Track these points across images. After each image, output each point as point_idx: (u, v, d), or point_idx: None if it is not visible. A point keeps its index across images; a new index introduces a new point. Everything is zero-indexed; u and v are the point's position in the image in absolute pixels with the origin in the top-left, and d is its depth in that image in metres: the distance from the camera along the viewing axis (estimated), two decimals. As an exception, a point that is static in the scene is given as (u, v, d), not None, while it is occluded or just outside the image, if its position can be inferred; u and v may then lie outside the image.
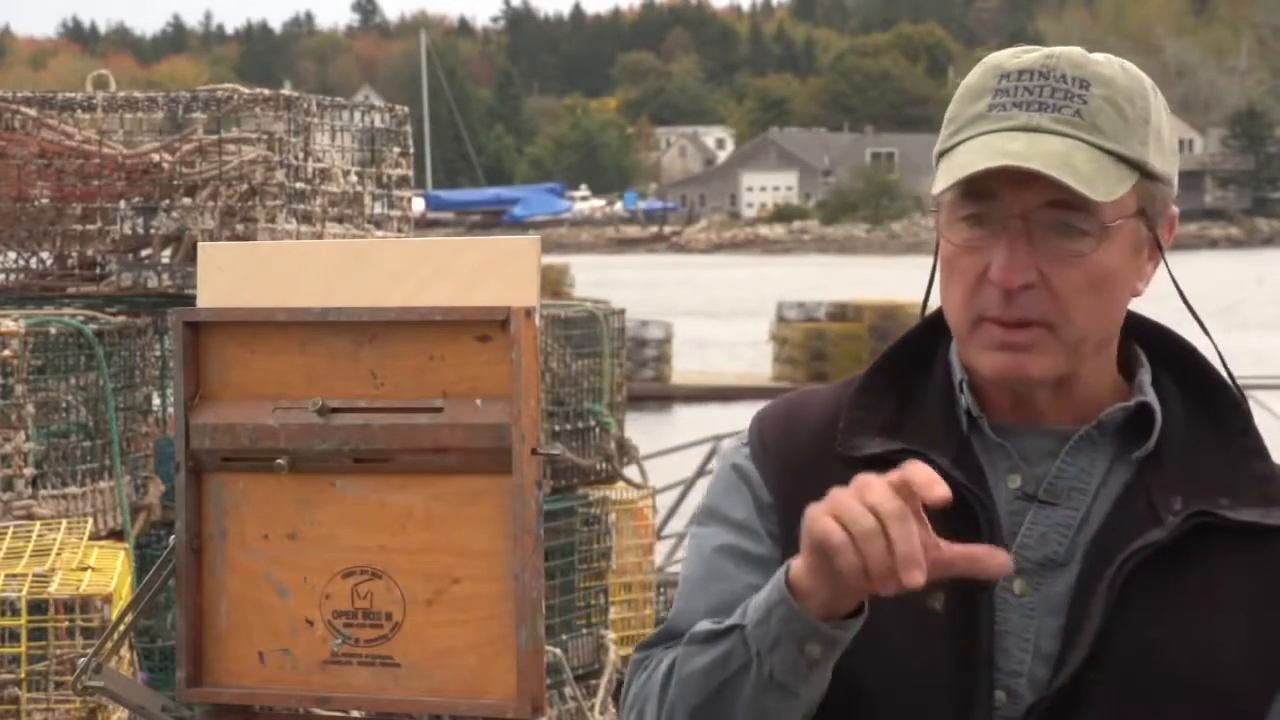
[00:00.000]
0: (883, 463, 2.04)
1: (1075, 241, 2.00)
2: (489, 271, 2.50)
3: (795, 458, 2.11)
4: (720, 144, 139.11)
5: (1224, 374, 2.15)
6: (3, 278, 5.90)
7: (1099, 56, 2.06)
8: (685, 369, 28.87)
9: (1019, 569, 2.02)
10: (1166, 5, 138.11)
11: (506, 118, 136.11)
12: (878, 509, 1.84)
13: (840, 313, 28.87)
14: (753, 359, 30.76)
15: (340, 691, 2.60)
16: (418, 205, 8.62)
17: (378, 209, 6.08)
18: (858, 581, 1.86)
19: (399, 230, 6.08)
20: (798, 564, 1.91)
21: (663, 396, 26.42)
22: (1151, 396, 2.09)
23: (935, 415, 2.09)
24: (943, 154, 2.05)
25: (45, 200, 5.75)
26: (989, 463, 2.06)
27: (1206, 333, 2.20)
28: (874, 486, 1.86)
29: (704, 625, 2.01)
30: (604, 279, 40.89)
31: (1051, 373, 2.03)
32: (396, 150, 6.13)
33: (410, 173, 6.18)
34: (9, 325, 5.08)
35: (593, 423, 6.79)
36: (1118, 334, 2.10)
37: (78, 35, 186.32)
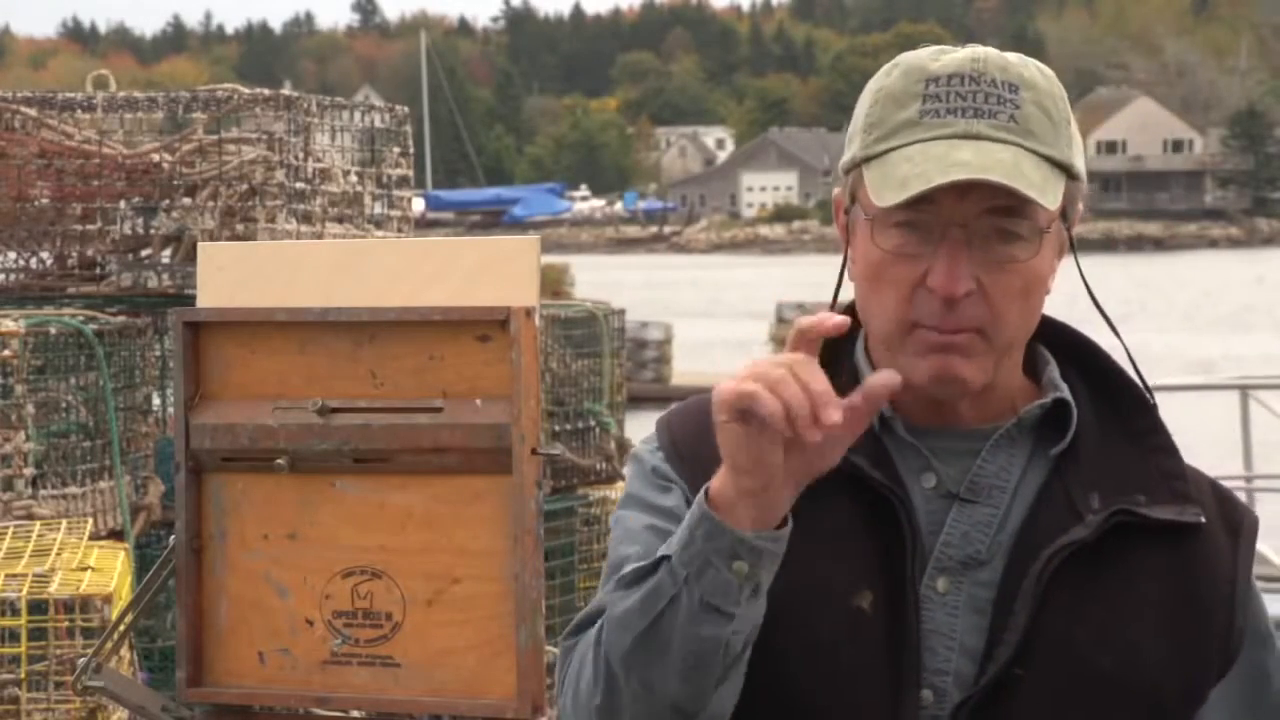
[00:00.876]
0: None
1: (1013, 248, 2.01)
2: (489, 271, 2.50)
3: (709, 461, 2.09)
4: (720, 144, 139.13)
5: (1132, 373, 2.15)
6: (3, 278, 5.91)
7: (1014, 57, 2.07)
8: (685, 370, 28.86)
9: (943, 567, 2.03)
10: (1166, 5, 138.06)
11: (506, 118, 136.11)
12: (781, 362, 1.86)
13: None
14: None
15: (340, 691, 2.60)
16: (418, 205, 8.63)
17: (378, 209, 6.08)
18: (782, 428, 1.85)
19: (399, 230, 6.08)
20: (717, 478, 1.91)
21: (663, 398, 26.41)
22: (1066, 392, 2.10)
23: None
24: (869, 159, 2.04)
25: (45, 200, 5.76)
26: (902, 463, 2.07)
27: (1116, 332, 2.22)
28: (768, 357, 1.88)
29: (630, 566, 2.00)
30: (604, 279, 40.90)
31: (982, 377, 2.04)
32: (396, 150, 6.13)
33: (410, 173, 6.18)
34: (9, 325, 5.08)
35: (593, 423, 6.79)
36: (1029, 336, 2.11)
37: (78, 35, 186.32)
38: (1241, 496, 12.08)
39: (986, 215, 2.00)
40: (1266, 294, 49.44)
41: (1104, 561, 2.04)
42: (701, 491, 1.94)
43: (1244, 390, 12.05)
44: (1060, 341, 2.16)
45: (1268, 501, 12.03)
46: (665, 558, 1.95)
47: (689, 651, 1.93)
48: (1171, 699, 2.04)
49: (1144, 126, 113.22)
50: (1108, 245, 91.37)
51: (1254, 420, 11.88)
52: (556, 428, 6.53)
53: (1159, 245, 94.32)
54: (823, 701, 2.02)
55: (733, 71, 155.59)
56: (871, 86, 2.07)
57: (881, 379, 1.89)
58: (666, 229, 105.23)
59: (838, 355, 2.14)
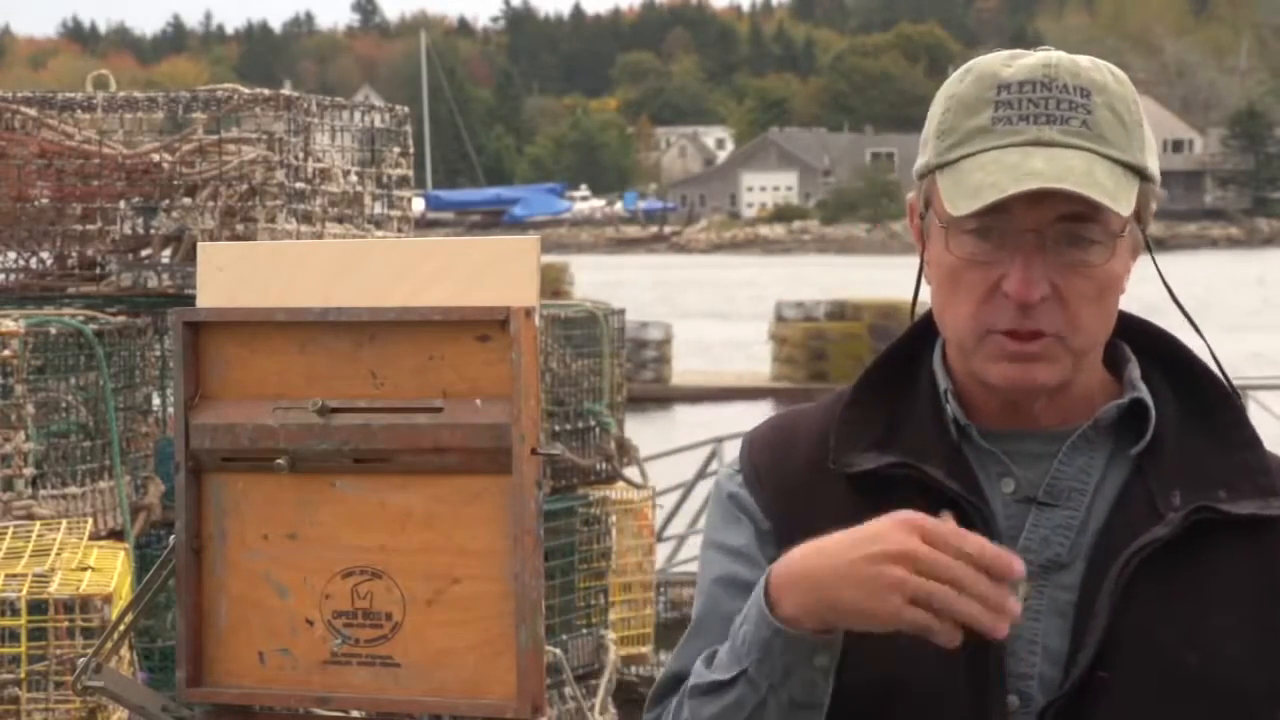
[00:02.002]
0: (877, 478, 2.05)
1: (1087, 252, 2.00)
2: (489, 271, 2.50)
3: (789, 480, 2.11)
4: (720, 144, 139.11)
5: (1214, 368, 2.15)
6: (3, 278, 5.90)
7: (1085, 61, 2.06)
8: (685, 369, 28.85)
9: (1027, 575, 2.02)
10: (1166, 5, 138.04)
11: (506, 118, 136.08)
12: (972, 589, 1.85)
13: (839, 312, 28.84)
14: (752, 359, 30.75)
15: (340, 691, 2.60)
16: (418, 205, 8.62)
17: (378, 209, 6.08)
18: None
19: (399, 230, 6.08)
20: (790, 598, 1.91)
21: (663, 398, 26.41)
22: (1145, 392, 2.09)
23: (925, 426, 2.09)
24: (942, 166, 2.04)
25: (45, 200, 5.76)
26: (981, 469, 2.07)
27: (1196, 329, 2.21)
28: (939, 562, 1.85)
29: (702, 675, 2.01)
30: (604, 279, 40.88)
31: (1058, 380, 2.04)
32: (396, 150, 6.13)
33: (410, 173, 6.18)
34: (9, 325, 5.08)
35: (593, 423, 6.79)
36: (1107, 338, 2.10)
37: (78, 35, 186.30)
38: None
39: (1060, 221, 1.99)
40: (1266, 294, 49.42)
41: (1185, 559, 2.03)
42: (761, 602, 1.92)
43: (1244, 390, 12.07)
44: (1142, 338, 2.15)
45: (1268, 501, 12.05)
46: (741, 672, 1.95)
47: None
48: (1258, 692, 2.03)
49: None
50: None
51: (1254, 420, 11.90)
52: (556, 428, 6.53)
53: (1159, 245, 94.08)
54: (908, 713, 2.01)
55: (733, 71, 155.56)
56: (944, 92, 2.07)
57: (1010, 567, 1.87)
58: (666, 229, 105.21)
59: (916, 360, 2.14)
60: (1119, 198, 1.98)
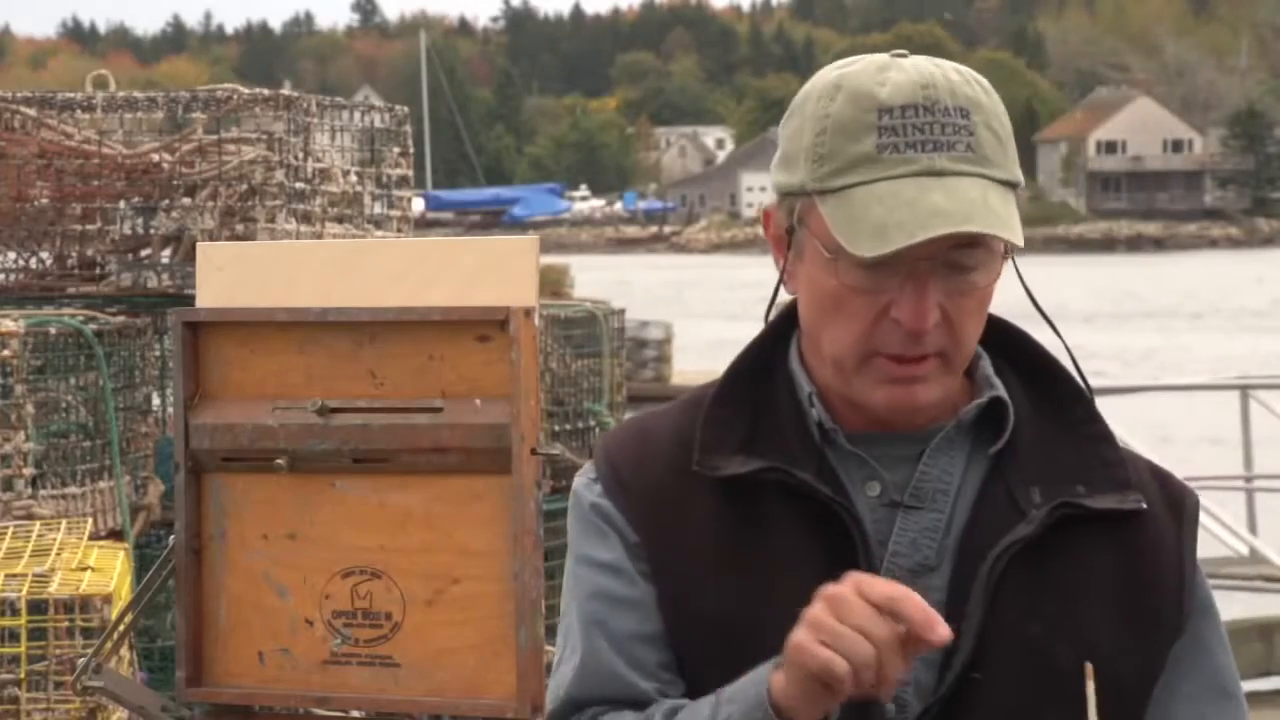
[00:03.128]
0: (745, 482, 2.05)
1: (975, 275, 2.01)
2: (488, 272, 2.50)
3: (652, 488, 2.08)
4: (720, 144, 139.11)
5: (1068, 364, 2.15)
6: (3, 278, 5.90)
7: (954, 75, 2.02)
8: (685, 369, 28.84)
9: (893, 576, 2.02)
10: (1166, 5, 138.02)
11: (506, 118, 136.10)
12: (871, 635, 1.84)
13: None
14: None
15: (340, 691, 2.60)
16: (418, 205, 8.63)
17: (378, 209, 6.08)
18: (847, 695, 1.87)
19: (399, 230, 6.08)
20: (783, 690, 1.90)
21: (663, 397, 26.38)
22: (1001, 389, 2.09)
23: (788, 429, 2.08)
24: (824, 192, 2.02)
25: (45, 200, 5.76)
26: (845, 473, 2.06)
27: (1052, 325, 2.21)
28: (854, 608, 1.85)
29: None
30: (604, 279, 40.88)
31: (939, 399, 2.04)
32: (396, 150, 6.13)
33: (410, 173, 6.18)
34: (9, 325, 5.08)
35: (593, 423, 6.79)
36: None
37: (78, 35, 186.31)
38: (1241, 496, 12.10)
39: (952, 249, 1.99)
40: (1266, 294, 49.43)
41: (1051, 555, 2.04)
42: (765, 697, 1.92)
43: (1244, 390, 12.05)
44: (993, 334, 2.14)
45: (1268, 501, 12.03)
46: None
47: None
48: (1130, 683, 2.04)
49: (1144, 126, 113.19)
50: (1107, 245, 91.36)
51: (1254, 420, 11.88)
52: (556, 428, 6.53)
53: (1159, 245, 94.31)
54: None
55: (733, 71, 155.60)
56: (813, 109, 2.03)
57: (938, 636, 1.88)
58: (666, 229, 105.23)
59: (771, 359, 2.13)
60: (1011, 223, 1.99)
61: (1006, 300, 2.26)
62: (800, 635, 1.86)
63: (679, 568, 2.03)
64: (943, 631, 1.83)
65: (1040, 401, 2.12)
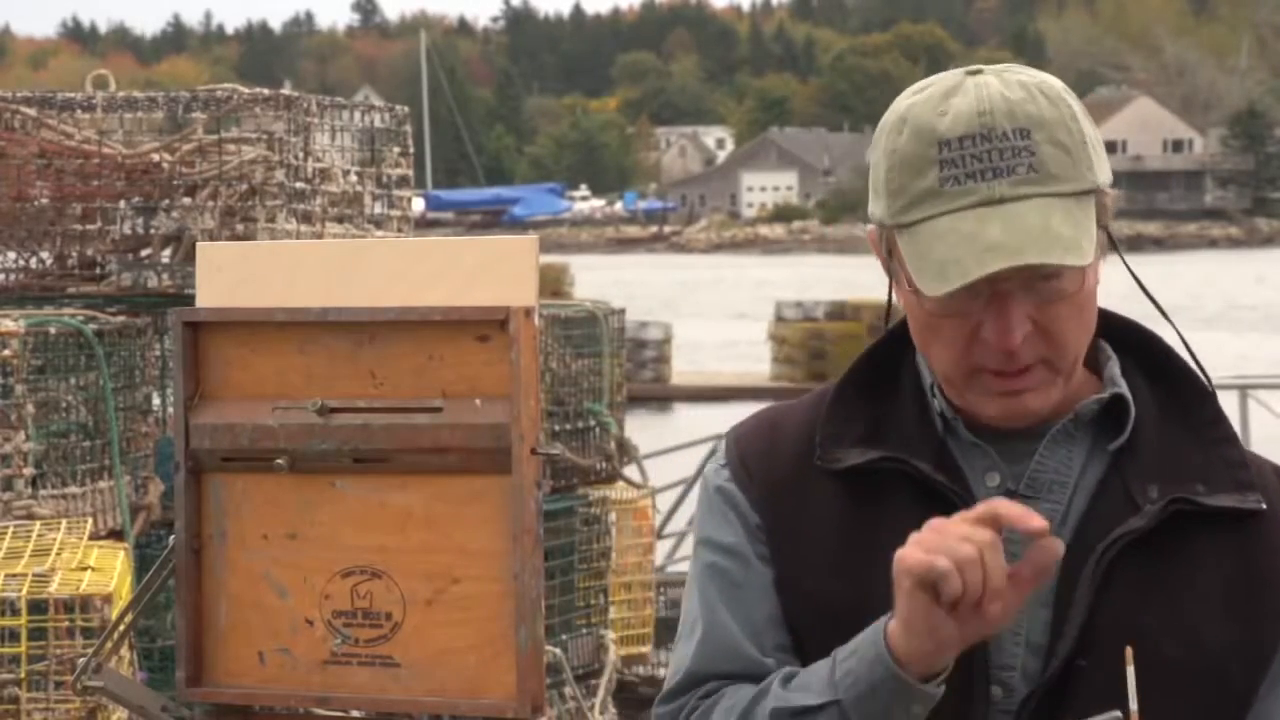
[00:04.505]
0: (864, 473, 2.08)
1: (1060, 284, 2.02)
2: (488, 271, 2.50)
3: (777, 476, 2.13)
4: (720, 144, 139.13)
5: (1192, 364, 2.16)
6: (3, 278, 5.90)
7: (1016, 92, 2.02)
8: (684, 369, 28.86)
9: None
10: (1166, 5, 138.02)
11: (506, 118, 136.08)
12: (971, 539, 1.88)
13: (838, 312, 28.84)
14: (752, 359, 30.75)
15: (340, 691, 2.60)
16: (418, 205, 8.63)
17: (378, 209, 6.08)
18: (949, 611, 1.88)
19: (399, 230, 6.09)
20: (894, 627, 1.94)
21: (662, 397, 26.41)
22: (1124, 387, 2.11)
23: (910, 422, 2.12)
24: (899, 227, 2.04)
25: (45, 200, 5.76)
26: (966, 464, 2.09)
27: (1173, 325, 2.22)
28: (954, 523, 1.89)
29: (783, 698, 2.03)
30: (604, 279, 40.88)
31: (1052, 403, 2.06)
32: (396, 150, 6.13)
33: (410, 173, 6.18)
34: (9, 325, 5.08)
35: (593, 423, 6.79)
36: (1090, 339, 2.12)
37: (78, 35, 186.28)
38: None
39: (1027, 269, 2.00)
40: (1266, 294, 49.42)
41: (1163, 550, 2.05)
42: (878, 639, 1.95)
43: (1244, 390, 12.06)
44: (1121, 335, 2.17)
45: (1267, 501, 12.04)
46: (835, 702, 1.98)
47: None
48: (1237, 682, 2.05)
49: (1144, 126, 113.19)
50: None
51: (1254, 420, 11.89)
52: (556, 428, 6.53)
53: (1159, 245, 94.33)
54: None
55: (733, 71, 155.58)
56: (884, 144, 2.06)
57: (1049, 550, 1.91)
58: (666, 229, 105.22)
59: (897, 360, 2.15)
60: (1080, 243, 1.99)
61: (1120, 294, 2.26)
62: (904, 550, 1.91)
63: (797, 552, 2.07)
64: (1038, 522, 1.87)
65: (1167, 402, 2.14)
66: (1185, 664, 2.02)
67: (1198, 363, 2.17)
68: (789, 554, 2.09)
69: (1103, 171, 2.06)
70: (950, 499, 2.04)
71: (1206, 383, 2.16)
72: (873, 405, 2.14)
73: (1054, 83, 2.07)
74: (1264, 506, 2.08)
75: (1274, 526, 2.09)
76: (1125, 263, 2.18)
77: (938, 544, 1.88)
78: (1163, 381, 2.15)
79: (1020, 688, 2.04)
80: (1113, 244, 2.11)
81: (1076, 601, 2.03)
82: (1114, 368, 2.13)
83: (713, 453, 2.29)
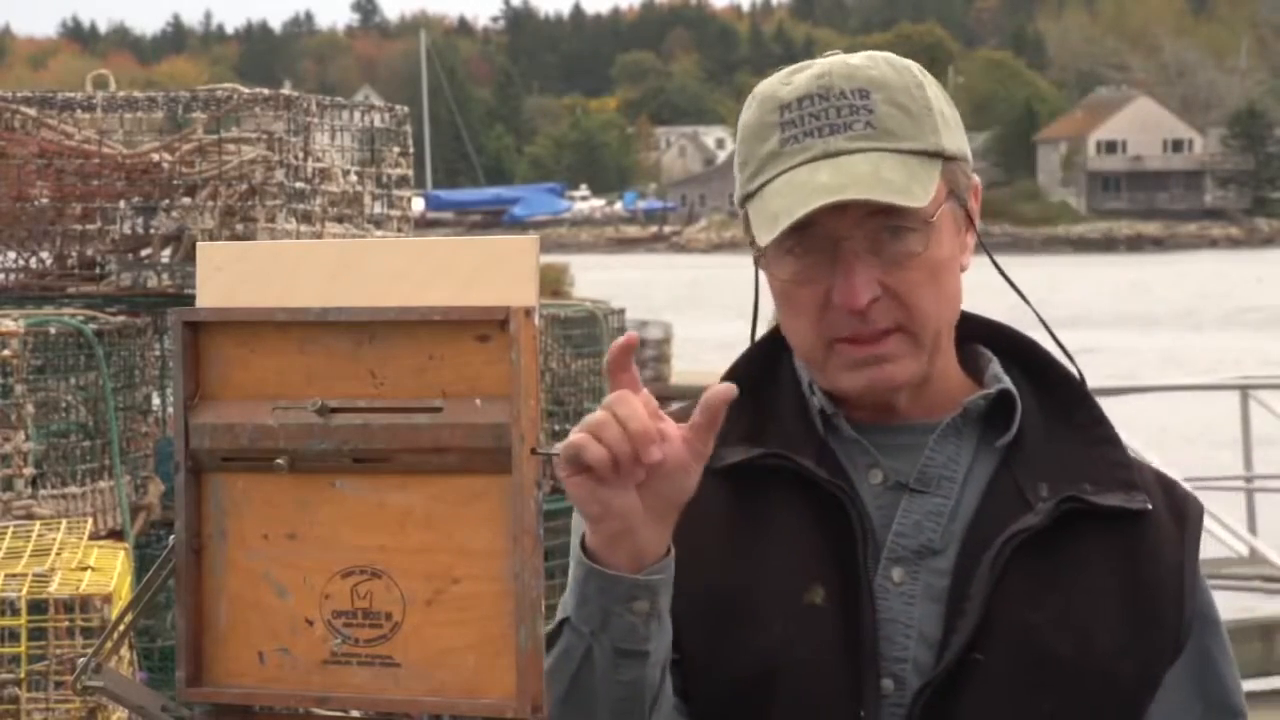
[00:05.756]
0: (748, 471, 2.08)
1: (905, 243, 2.03)
2: (488, 271, 2.50)
3: None
4: (720, 144, 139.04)
5: (1070, 368, 2.18)
6: (3, 278, 5.90)
7: (860, 59, 2.07)
8: (684, 369, 28.87)
9: (897, 558, 2.04)
10: (1166, 5, 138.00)
11: (506, 118, 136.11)
12: (600, 406, 1.92)
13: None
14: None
15: (340, 691, 2.60)
16: (418, 205, 8.63)
17: (378, 209, 6.08)
18: (609, 474, 1.87)
19: (399, 230, 6.09)
20: (586, 526, 1.96)
21: (662, 397, 26.33)
22: (1009, 384, 2.12)
23: (791, 420, 2.13)
24: (748, 197, 2.06)
25: (45, 200, 5.76)
26: (848, 459, 2.10)
27: (1048, 329, 2.24)
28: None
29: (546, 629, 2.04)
30: (603, 279, 40.89)
31: (915, 375, 2.07)
32: (396, 150, 6.13)
33: (410, 173, 6.18)
34: (9, 325, 5.08)
35: (593, 423, 6.78)
36: (956, 320, 2.12)
37: (78, 35, 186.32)
38: (1241, 497, 12.11)
39: (867, 220, 2.01)
40: (1266, 294, 49.43)
41: (1056, 548, 2.07)
42: (579, 548, 1.97)
43: (1244, 390, 12.05)
44: (999, 341, 2.18)
45: (1268, 501, 12.04)
46: (565, 620, 2.01)
47: (616, 698, 1.99)
48: (1127, 683, 2.06)
49: (1144, 126, 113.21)
50: (1108, 245, 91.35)
51: (1254, 420, 11.89)
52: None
53: (1159, 245, 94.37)
54: (778, 695, 2.04)
55: (733, 71, 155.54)
56: (740, 122, 2.09)
57: (718, 392, 1.93)
58: (666, 229, 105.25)
59: (776, 360, 2.16)
60: (911, 188, 2.00)
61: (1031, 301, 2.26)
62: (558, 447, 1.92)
63: (680, 549, 2.06)
64: (625, 339, 1.94)
65: (1047, 403, 2.15)
66: (1076, 663, 2.03)
67: (1077, 367, 2.18)
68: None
69: (952, 141, 2.07)
70: (834, 494, 2.05)
71: (1082, 384, 2.17)
72: (754, 405, 2.14)
73: (908, 61, 2.09)
74: (1149, 507, 2.10)
75: (1157, 528, 2.10)
76: (993, 260, 2.20)
77: (582, 422, 1.91)
78: (1042, 383, 2.16)
79: (913, 681, 2.04)
80: (971, 223, 2.11)
81: (972, 596, 2.03)
82: (995, 367, 2.15)
83: None
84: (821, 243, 2.02)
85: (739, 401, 2.14)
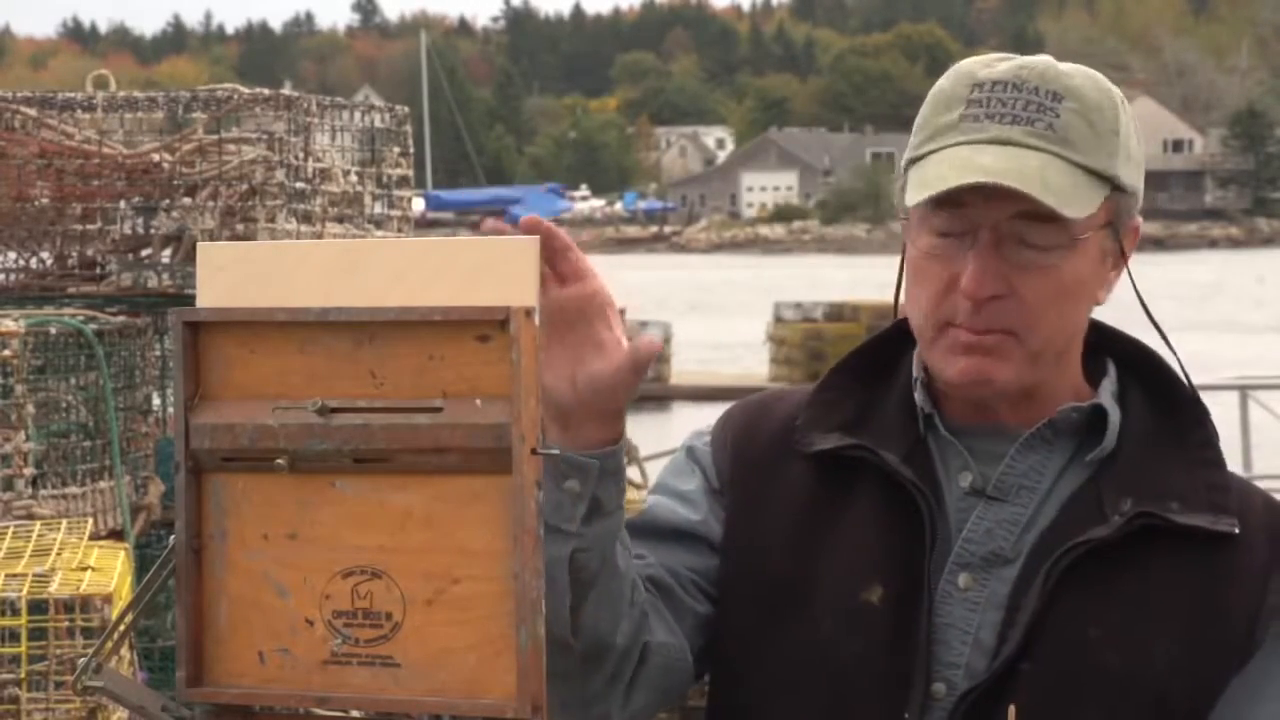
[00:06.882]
0: (834, 459, 2.07)
1: (1045, 253, 2.01)
2: (488, 271, 2.50)
3: (752, 452, 2.15)
4: (720, 144, 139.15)
5: (1190, 386, 2.16)
6: (3, 278, 5.90)
7: (1068, 68, 2.07)
8: (684, 369, 28.86)
9: (965, 563, 2.03)
10: (1166, 5, 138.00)
11: (506, 118, 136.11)
12: None
13: (837, 313, 28.84)
14: (751, 359, 30.76)
15: (340, 691, 2.60)
16: (418, 205, 8.62)
17: (378, 209, 6.08)
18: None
19: (399, 230, 6.09)
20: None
21: (662, 397, 26.43)
22: (1108, 400, 2.10)
23: (893, 414, 2.12)
24: (913, 162, 2.06)
25: (45, 200, 5.75)
26: (942, 460, 2.08)
27: (1169, 344, 2.22)
28: None
29: None
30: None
31: (1015, 381, 2.05)
32: (396, 150, 6.13)
33: (410, 173, 6.18)
34: (9, 325, 5.08)
35: (592, 423, 6.77)
36: (1079, 342, 2.11)
37: (78, 35, 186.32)
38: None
39: (1016, 220, 2.00)
40: (1266, 294, 49.42)
41: (1125, 563, 2.04)
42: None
43: (1244, 390, 12.06)
44: (1128, 355, 2.16)
45: (1267, 501, 12.04)
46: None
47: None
48: (1178, 701, 2.03)
49: (1144, 126, 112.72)
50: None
51: (1253, 420, 11.90)
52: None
53: (1159, 245, 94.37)
54: (823, 693, 2.03)
55: (733, 71, 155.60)
56: (932, 88, 2.09)
57: (644, 343, 1.97)
58: (666, 229, 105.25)
59: (898, 353, 2.16)
60: (1073, 200, 1.99)
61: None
62: None
63: (754, 524, 2.08)
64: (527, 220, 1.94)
65: (1163, 421, 2.12)
66: (1126, 678, 2.01)
67: (1190, 383, 2.16)
68: (745, 525, 2.12)
69: (1128, 174, 2.05)
70: (911, 495, 2.04)
71: (1201, 406, 2.16)
72: (862, 395, 2.14)
73: (1113, 87, 2.09)
74: (1236, 530, 2.06)
75: (1246, 553, 2.06)
76: (1133, 282, 2.18)
77: None
78: (1163, 401, 2.14)
79: (962, 684, 2.03)
80: (1123, 256, 2.10)
81: (1025, 605, 2.02)
82: (1109, 384, 2.13)
83: None
84: (966, 225, 2.01)
85: (846, 387, 2.14)
